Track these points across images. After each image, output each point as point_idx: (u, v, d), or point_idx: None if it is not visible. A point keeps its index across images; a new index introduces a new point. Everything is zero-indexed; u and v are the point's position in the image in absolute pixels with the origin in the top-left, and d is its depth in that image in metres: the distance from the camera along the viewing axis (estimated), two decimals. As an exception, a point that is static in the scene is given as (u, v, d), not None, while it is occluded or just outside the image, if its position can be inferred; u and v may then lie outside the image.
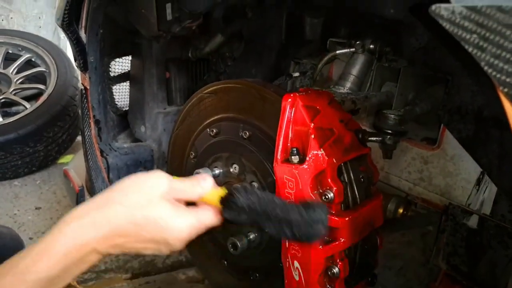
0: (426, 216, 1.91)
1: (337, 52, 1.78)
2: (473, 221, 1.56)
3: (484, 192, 1.51)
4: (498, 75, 0.64)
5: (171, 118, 2.21)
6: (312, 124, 1.07)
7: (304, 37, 1.96)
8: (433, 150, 1.63)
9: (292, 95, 1.11)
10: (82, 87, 1.75)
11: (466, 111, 1.48)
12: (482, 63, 0.70)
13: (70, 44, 1.61)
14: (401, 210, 1.82)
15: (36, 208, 3.06)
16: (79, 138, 3.90)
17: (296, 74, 1.71)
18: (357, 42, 1.74)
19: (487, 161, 1.47)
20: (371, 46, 1.73)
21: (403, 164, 1.72)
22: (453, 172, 1.58)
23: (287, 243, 1.12)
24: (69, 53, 3.77)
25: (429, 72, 1.57)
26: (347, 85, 1.71)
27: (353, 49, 1.75)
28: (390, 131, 1.34)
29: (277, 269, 1.30)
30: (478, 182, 1.51)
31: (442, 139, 1.59)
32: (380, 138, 1.34)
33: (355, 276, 1.15)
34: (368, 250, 1.19)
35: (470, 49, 0.71)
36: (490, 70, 0.70)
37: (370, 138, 1.22)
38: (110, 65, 2.17)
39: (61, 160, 3.56)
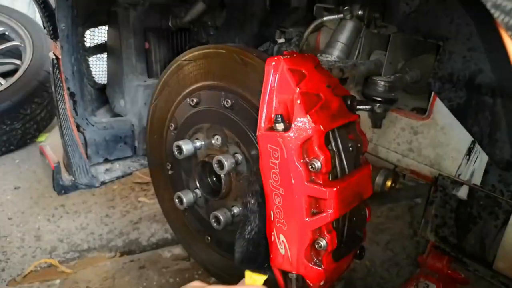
0: (414, 188, 1.88)
1: (325, 18, 1.69)
2: (463, 192, 1.52)
3: (474, 162, 1.47)
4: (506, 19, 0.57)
5: (151, 91, 2.10)
6: (298, 89, 1.00)
7: (289, 4, 1.87)
8: (423, 120, 1.57)
9: (276, 58, 1.03)
10: (54, 57, 1.64)
11: (458, 79, 1.43)
12: (488, 4, 0.63)
13: (37, 8, 1.50)
14: (389, 183, 1.78)
15: (15, 188, 2.97)
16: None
17: (281, 40, 1.62)
18: (345, 8, 1.65)
19: (478, 130, 1.42)
20: (360, 12, 1.64)
21: (392, 135, 1.66)
22: (443, 142, 1.54)
23: (272, 215, 1.06)
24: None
25: (419, 38, 1.50)
26: (335, 53, 1.63)
27: (341, 15, 1.66)
28: (379, 99, 1.28)
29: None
30: (469, 152, 1.47)
31: (432, 109, 1.54)
32: (369, 106, 1.27)
33: (343, 249, 1.10)
34: (356, 222, 1.14)
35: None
36: (497, 13, 0.64)
37: (358, 106, 1.16)
38: (85, 35, 2.06)
39: (41, 138, 3.45)
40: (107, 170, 2.05)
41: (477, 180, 1.47)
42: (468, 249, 1.57)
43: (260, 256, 1.08)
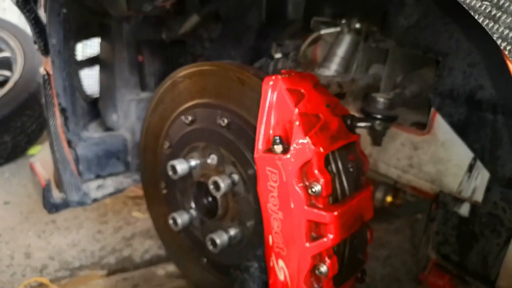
0: (415, 204, 1.84)
1: (322, 32, 1.67)
2: (464, 209, 1.49)
3: (476, 179, 1.43)
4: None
5: (145, 105, 2.07)
6: (297, 110, 0.96)
7: (286, 17, 1.84)
8: (423, 136, 1.54)
9: (273, 77, 1.00)
10: (45, 73, 1.59)
11: (458, 94, 1.40)
12: (495, 36, 0.60)
13: (28, 24, 1.46)
14: (389, 199, 1.75)
15: (5, 203, 2.89)
16: (51, 127, 3.72)
17: (278, 55, 1.59)
18: (343, 22, 1.63)
19: (479, 147, 1.39)
20: (358, 25, 1.62)
21: (392, 151, 1.63)
22: (444, 158, 1.50)
23: (270, 240, 1.02)
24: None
25: (418, 52, 1.47)
26: (333, 67, 1.60)
27: (338, 29, 1.64)
28: (379, 116, 1.25)
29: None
30: (470, 168, 1.44)
31: (433, 124, 1.51)
32: (369, 124, 1.24)
33: (344, 273, 1.06)
34: (357, 245, 1.10)
35: (480, 20, 0.61)
36: (504, 44, 0.61)
37: (358, 124, 1.12)
38: (77, 48, 2.01)
39: (32, 151, 3.38)
40: (99, 186, 1.99)
41: (478, 197, 1.44)
42: (470, 267, 1.53)
43: None
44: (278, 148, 0.96)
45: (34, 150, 3.36)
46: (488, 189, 1.41)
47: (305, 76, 1.06)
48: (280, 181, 0.97)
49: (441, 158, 1.52)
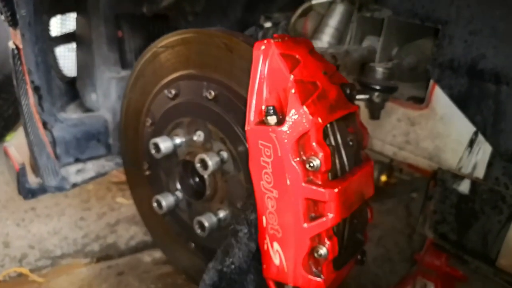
0: (410, 183, 1.78)
1: (313, 1, 1.56)
2: (464, 186, 1.42)
3: (477, 154, 1.37)
4: None
5: (125, 83, 1.95)
6: (292, 76, 0.87)
7: (274, -13, 1.73)
8: (421, 110, 1.47)
9: (265, 42, 0.90)
10: (14, 46, 1.46)
11: (459, 64, 1.33)
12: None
13: (-8, -9, 1.33)
14: (384, 178, 1.68)
15: (-19, 191, 2.76)
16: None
17: (268, 24, 1.49)
18: (336, -10, 1.53)
19: (481, 119, 1.32)
20: (351, -7, 1.52)
21: (387, 127, 1.56)
22: (443, 134, 1.43)
23: (264, 221, 0.93)
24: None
25: (416, 22, 1.38)
26: (325, 39, 1.51)
27: (331, -2, 1.54)
28: (378, 87, 1.16)
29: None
30: (471, 143, 1.37)
31: (431, 98, 1.43)
32: (367, 96, 1.16)
33: (344, 255, 0.99)
34: (357, 225, 1.03)
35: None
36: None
37: (357, 97, 1.04)
38: (51, 23, 1.88)
39: (9, 138, 3.23)
40: (78, 171, 1.88)
41: (479, 173, 1.38)
42: (469, 246, 1.48)
43: None
44: (272, 119, 0.87)
45: (11, 136, 3.21)
46: (490, 165, 1.35)
47: (299, 42, 0.97)
48: (275, 156, 0.87)
49: (440, 133, 1.45)
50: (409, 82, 1.56)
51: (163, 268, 2.17)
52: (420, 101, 1.49)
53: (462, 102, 1.34)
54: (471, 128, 1.36)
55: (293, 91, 0.86)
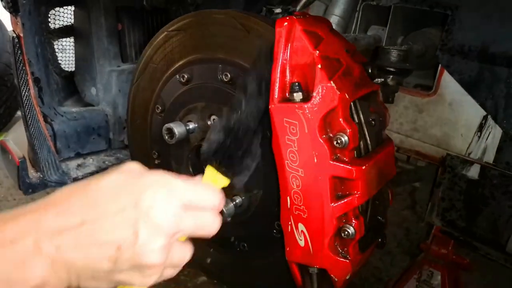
0: (414, 172, 1.78)
1: (319, -11, 1.56)
2: (473, 172, 1.43)
3: (486, 139, 1.37)
4: None
5: (126, 77, 1.92)
6: (317, 52, 0.85)
7: (277, -22, 1.72)
8: (429, 97, 1.47)
9: (288, 18, 0.88)
10: (14, 35, 1.42)
11: (470, 49, 1.33)
12: None
13: (-7, -24, 1.29)
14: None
15: (-29, 192, 2.67)
16: (19, 113, 3.47)
17: (278, 10, 1.47)
18: (341, -22, 1.53)
19: (492, 103, 1.33)
20: (357, -19, 1.52)
21: (394, 115, 1.55)
22: (451, 120, 1.44)
23: (288, 202, 0.91)
24: (2, 14, 3.30)
25: (425, 7, 1.39)
26: (331, 27, 1.50)
27: (336, -14, 1.53)
28: (393, 69, 1.15)
29: (269, 238, 1.10)
30: (480, 128, 1.37)
31: (439, 84, 1.43)
32: (382, 79, 1.15)
33: (368, 237, 0.97)
34: (379, 207, 1.01)
35: None
36: None
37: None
38: (49, 15, 1.83)
39: (1, 138, 3.14)
40: (79, 165, 1.83)
41: (489, 158, 1.38)
42: (478, 232, 1.48)
43: (235, 160, 0.77)
44: (298, 95, 0.85)
45: (4, 136, 3.13)
46: (500, 149, 1.36)
47: (319, 19, 0.96)
48: (301, 134, 0.86)
49: (448, 119, 1.45)
50: (416, 69, 1.56)
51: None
52: (427, 88, 1.49)
53: (472, 87, 1.34)
54: (481, 113, 1.36)
55: (319, 66, 0.84)
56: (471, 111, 1.38)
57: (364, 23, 1.63)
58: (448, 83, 1.41)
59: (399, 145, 1.61)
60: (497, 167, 1.37)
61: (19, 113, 3.47)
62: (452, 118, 1.44)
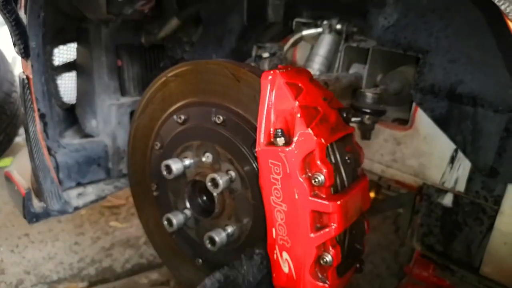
0: (397, 199, 1.90)
1: (304, 32, 1.70)
2: (447, 200, 1.55)
3: (458, 170, 1.50)
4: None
5: (125, 110, 2.04)
6: (297, 102, 0.98)
7: (266, 19, 1.87)
8: (406, 131, 1.60)
9: (272, 72, 1.01)
10: (24, 76, 1.54)
11: (439, 89, 1.47)
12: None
13: (8, 26, 1.40)
14: (372, 194, 1.79)
15: (-28, 219, 2.75)
16: (17, 139, 3.57)
17: (266, 55, 1.61)
18: (324, 22, 1.68)
19: (461, 138, 1.46)
20: (338, 26, 1.67)
21: (375, 147, 1.68)
22: (426, 152, 1.56)
23: (274, 233, 1.03)
24: (2, 45, 3.43)
25: (399, 51, 1.53)
26: (315, 67, 1.64)
27: (320, 30, 1.68)
28: (369, 110, 1.28)
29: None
30: (452, 160, 1.50)
31: (414, 119, 1.57)
32: (359, 118, 1.28)
33: (345, 263, 1.08)
34: (356, 236, 1.13)
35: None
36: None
37: (352, 119, 1.15)
38: (54, 53, 1.96)
39: (1, 164, 3.24)
40: (79, 194, 1.93)
41: (461, 187, 1.50)
42: (454, 256, 1.59)
43: None
44: (281, 140, 0.97)
45: (4, 162, 3.22)
46: (470, 179, 1.48)
47: (301, 71, 1.09)
48: (284, 173, 0.98)
49: (424, 151, 1.58)
50: (394, 105, 1.70)
51: (161, 289, 2.21)
52: (405, 122, 1.62)
53: (443, 123, 1.47)
54: (452, 146, 1.49)
55: (299, 115, 0.97)
56: (443, 144, 1.51)
57: (347, 62, 1.77)
58: (422, 119, 1.55)
59: (380, 174, 1.73)
60: (468, 196, 1.49)
61: (17, 139, 3.58)
62: (426, 150, 1.57)
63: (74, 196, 1.90)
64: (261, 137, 1.00)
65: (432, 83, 1.47)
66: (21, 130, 3.35)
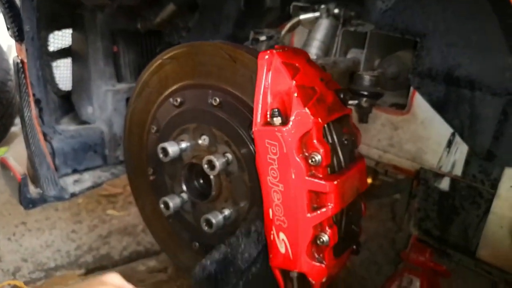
0: (394, 185, 1.90)
1: (301, 17, 1.69)
2: (444, 184, 1.55)
3: (455, 154, 1.50)
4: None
5: (121, 96, 2.03)
6: (294, 82, 0.97)
7: (263, 5, 1.85)
8: (403, 115, 1.60)
9: (269, 52, 1.00)
10: (18, 60, 1.52)
11: (437, 73, 1.46)
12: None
13: (1, 8, 1.39)
14: (368, 180, 1.78)
15: (-32, 208, 2.74)
16: (13, 129, 3.56)
17: (263, 38, 1.60)
18: (322, 7, 1.66)
19: (458, 122, 1.45)
20: (336, 10, 1.66)
21: (373, 132, 1.68)
22: (423, 136, 1.56)
23: (271, 214, 1.03)
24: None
25: (397, 35, 1.52)
26: (313, 51, 1.63)
27: (317, 14, 1.67)
28: (366, 93, 1.28)
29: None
30: (449, 144, 1.50)
31: (412, 104, 1.56)
32: (356, 101, 1.27)
33: (342, 244, 1.08)
34: (353, 217, 1.13)
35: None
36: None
37: (349, 101, 1.15)
38: (49, 39, 1.94)
39: (2, 153, 3.22)
40: (76, 181, 1.93)
41: (458, 171, 1.50)
42: (451, 240, 1.59)
43: None
44: (277, 120, 0.97)
45: (0, 152, 3.21)
46: (467, 163, 1.48)
47: (298, 51, 1.08)
48: (280, 153, 0.97)
49: (421, 136, 1.57)
50: (391, 90, 1.69)
51: (158, 276, 2.22)
52: (402, 107, 1.62)
53: (440, 107, 1.47)
54: (449, 130, 1.48)
55: (295, 95, 0.96)
56: (440, 128, 1.51)
57: (344, 46, 1.76)
58: (420, 103, 1.54)
59: (378, 159, 1.73)
60: (465, 180, 1.49)
61: (13, 129, 3.56)
62: (424, 135, 1.56)
63: (71, 183, 1.89)
64: (258, 117, 1.00)
65: (429, 67, 1.46)
66: (17, 120, 3.34)
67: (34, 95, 1.65)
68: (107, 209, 2.82)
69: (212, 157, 1.14)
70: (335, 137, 1.05)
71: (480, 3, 1.29)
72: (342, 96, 1.08)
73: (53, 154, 1.80)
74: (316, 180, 0.96)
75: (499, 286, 1.48)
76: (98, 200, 2.90)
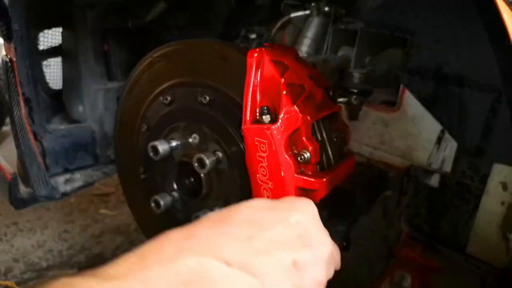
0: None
1: (292, 15, 1.70)
2: (434, 180, 1.56)
3: (444, 150, 1.51)
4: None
5: (112, 95, 2.02)
6: (283, 80, 0.98)
7: (254, 2, 1.85)
8: (393, 113, 1.60)
9: (258, 50, 1.00)
10: (7, 59, 1.51)
11: (426, 70, 1.47)
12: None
13: (-12, 6, 1.38)
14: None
15: (-40, 208, 2.72)
16: (4, 128, 3.53)
17: (253, 36, 1.60)
18: (312, 5, 1.67)
19: (447, 119, 1.47)
20: (326, 8, 1.66)
21: (363, 129, 1.68)
22: (413, 133, 1.57)
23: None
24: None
25: (387, 32, 1.53)
26: (304, 49, 1.64)
27: (308, 12, 1.67)
28: (355, 90, 1.28)
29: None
30: (439, 140, 1.51)
31: (402, 101, 1.57)
32: (346, 99, 1.28)
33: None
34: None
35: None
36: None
37: (338, 100, 1.16)
38: (39, 38, 1.93)
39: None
40: (67, 180, 1.92)
41: (447, 168, 1.51)
42: (441, 235, 1.61)
43: None
44: (266, 118, 0.97)
45: (-11, 150, 3.18)
46: (456, 159, 1.49)
47: (287, 49, 1.08)
48: (270, 151, 0.97)
49: (411, 133, 1.58)
50: (381, 88, 1.69)
51: (151, 275, 2.21)
52: (392, 104, 1.63)
53: (429, 104, 1.48)
54: (438, 127, 1.49)
55: (284, 92, 0.96)
56: (430, 125, 1.51)
57: (335, 44, 1.76)
58: (410, 100, 1.55)
59: (368, 156, 1.74)
60: (454, 176, 1.51)
61: (4, 128, 3.53)
62: (414, 132, 1.57)
63: (62, 182, 1.89)
64: (247, 115, 1.00)
65: (419, 64, 1.46)
66: (8, 120, 3.31)
67: (23, 94, 1.64)
68: (99, 208, 2.81)
69: (202, 156, 1.14)
70: (324, 134, 1.06)
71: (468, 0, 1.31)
72: (331, 93, 1.09)
73: (43, 153, 1.79)
74: (305, 177, 0.97)
75: (488, 280, 1.49)
76: (91, 200, 2.88)
